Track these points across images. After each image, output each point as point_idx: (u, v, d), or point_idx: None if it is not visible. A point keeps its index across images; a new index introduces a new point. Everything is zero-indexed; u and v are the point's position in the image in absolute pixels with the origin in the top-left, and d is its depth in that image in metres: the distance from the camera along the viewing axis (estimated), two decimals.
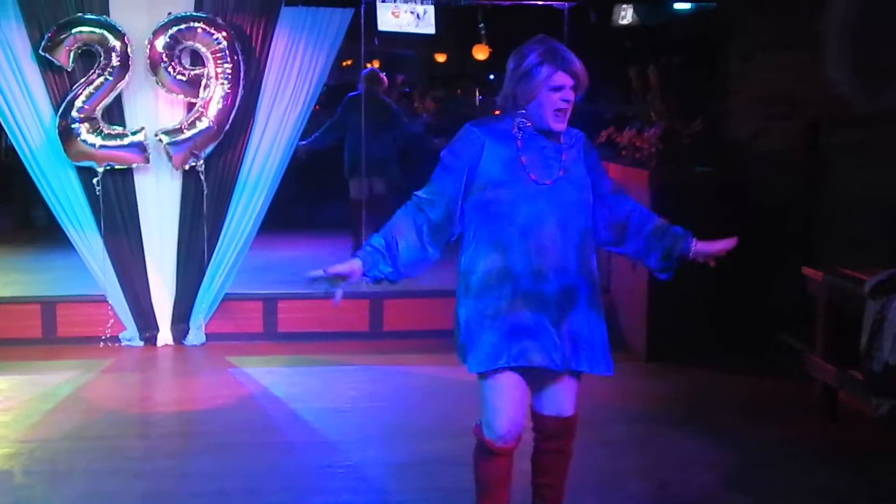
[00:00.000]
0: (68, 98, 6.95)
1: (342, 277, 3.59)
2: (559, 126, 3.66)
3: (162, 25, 6.98)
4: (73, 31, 6.92)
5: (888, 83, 7.46)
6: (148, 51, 6.98)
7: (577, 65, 3.63)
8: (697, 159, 7.18)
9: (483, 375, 3.74)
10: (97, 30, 6.93)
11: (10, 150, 9.03)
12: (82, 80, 6.97)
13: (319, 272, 3.58)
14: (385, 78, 9.88)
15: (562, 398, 3.86)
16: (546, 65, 3.60)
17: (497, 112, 3.86)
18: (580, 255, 3.70)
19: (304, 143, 8.99)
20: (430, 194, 3.69)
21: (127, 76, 7.00)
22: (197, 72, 7.05)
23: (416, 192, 3.74)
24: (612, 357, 3.82)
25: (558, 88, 3.61)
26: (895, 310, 4.79)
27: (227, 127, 7.10)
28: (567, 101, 3.63)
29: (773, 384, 6.50)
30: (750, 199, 7.16)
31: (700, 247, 4.05)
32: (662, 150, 7.11)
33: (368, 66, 10.13)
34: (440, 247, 3.72)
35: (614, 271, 7.66)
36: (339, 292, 3.62)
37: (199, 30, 6.98)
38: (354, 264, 3.61)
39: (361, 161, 8.98)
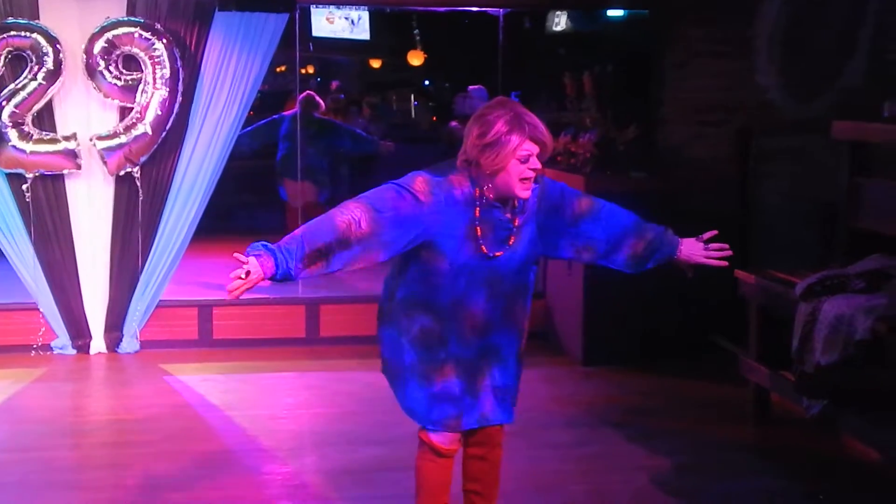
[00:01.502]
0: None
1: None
2: (525, 194, 3.58)
3: (99, 30, 6.90)
4: (5, 35, 6.82)
5: (817, 90, 7.61)
6: (84, 55, 6.89)
7: (544, 131, 3.56)
8: (632, 165, 7.25)
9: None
10: (30, 34, 6.84)
11: None
12: (12, 85, 6.86)
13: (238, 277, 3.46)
14: (322, 102, 9.91)
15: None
16: (515, 134, 3.50)
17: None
18: (507, 316, 3.74)
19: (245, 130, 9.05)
20: (374, 224, 3.48)
21: (59, 81, 6.91)
22: (134, 77, 6.97)
23: (357, 209, 3.50)
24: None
25: (526, 158, 3.53)
26: (826, 312, 4.87)
27: (164, 133, 7.04)
28: (534, 169, 3.56)
29: (707, 386, 6.58)
30: (683, 204, 7.24)
31: (686, 253, 4.17)
32: (597, 156, 7.18)
33: (303, 71, 10.09)
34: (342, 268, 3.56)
35: (551, 277, 7.71)
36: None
37: (136, 34, 6.91)
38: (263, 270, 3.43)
39: (296, 171, 9.00)
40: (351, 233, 3.48)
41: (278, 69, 14.02)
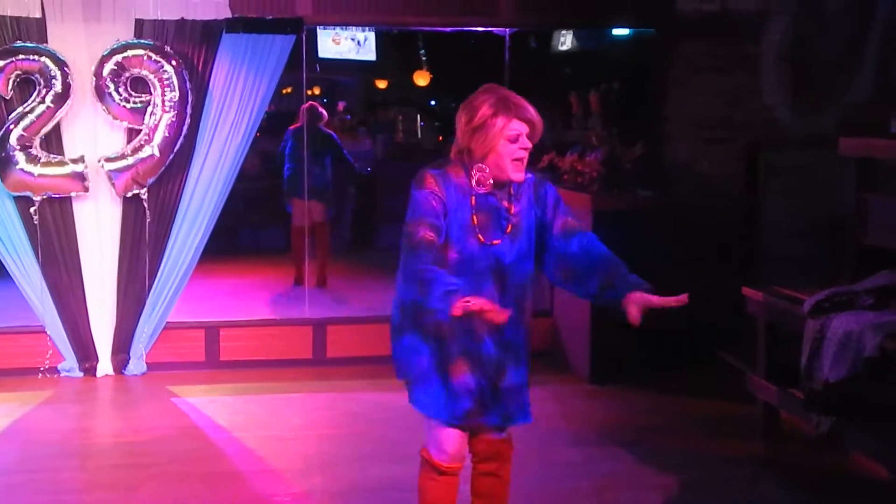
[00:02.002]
0: (5, 126, 6.87)
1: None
2: (518, 176, 3.62)
3: (109, 52, 6.92)
4: (13, 58, 6.85)
5: (823, 106, 7.62)
6: (93, 77, 6.92)
7: (531, 111, 3.61)
8: (639, 183, 7.25)
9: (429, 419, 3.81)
10: (38, 58, 6.87)
11: None
12: (20, 108, 6.89)
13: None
14: (325, 112, 9.95)
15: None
16: (500, 115, 3.56)
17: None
18: (518, 310, 3.70)
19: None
20: (438, 232, 3.56)
21: (67, 104, 6.94)
22: (143, 98, 7.00)
23: (423, 229, 3.54)
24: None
25: (515, 138, 3.58)
26: (834, 328, 4.86)
27: (172, 155, 7.05)
28: (525, 149, 3.60)
29: (715, 404, 6.55)
30: (690, 221, 7.24)
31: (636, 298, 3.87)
32: (604, 175, 7.17)
33: (309, 92, 10.14)
34: None
35: (558, 294, 7.70)
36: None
37: (146, 57, 6.94)
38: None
39: (303, 190, 9.01)
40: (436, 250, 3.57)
41: (285, 90, 14.07)
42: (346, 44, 14.33)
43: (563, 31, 11.85)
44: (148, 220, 7.16)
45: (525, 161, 3.63)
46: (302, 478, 5.33)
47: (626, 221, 6.95)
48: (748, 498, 5.07)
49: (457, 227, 3.61)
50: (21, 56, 6.87)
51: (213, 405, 6.64)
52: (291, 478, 5.34)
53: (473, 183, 3.63)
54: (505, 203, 3.67)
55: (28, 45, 6.90)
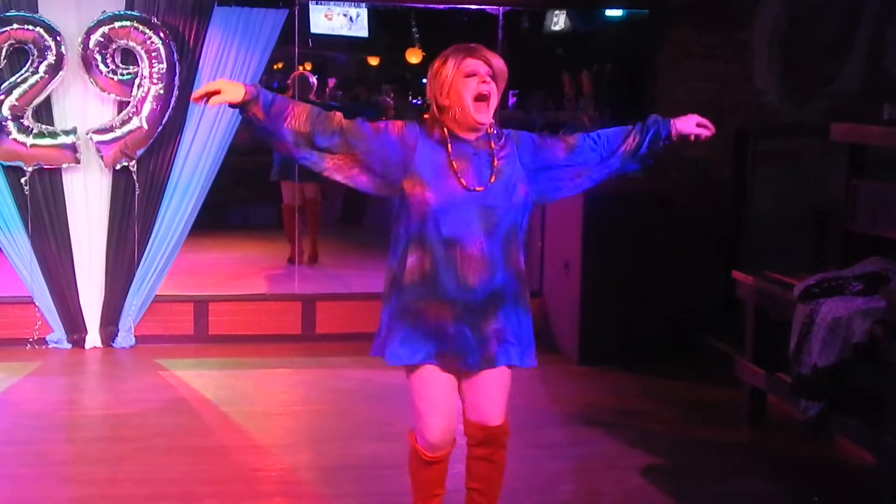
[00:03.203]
0: None
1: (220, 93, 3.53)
2: (483, 118, 3.57)
3: (96, 23, 6.89)
4: (7, 28, 6.81)
5: (812, 93, 7.64)
6: (80, 48, 6.89)
7: (488, 52, 3.60)
8: None
9: (408, 374, 3.77)
10: (32, 27, 6.83)
11: None
12: (13, 77, 6.86)
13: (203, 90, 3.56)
14: (314, 80, 9.87)
15: (486, 405, 3.83)
16: (452, 58, 3.59)
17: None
18: (507, 257, 3.67)
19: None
20: (355, 127, 3.62)
21: (60, 75, 6.91)
22: (130, 70, 6.97)
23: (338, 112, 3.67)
24: (535, 350, 3.86)
25: (472, 74, 3.55)
26: (823, 314, 4.88)
27: (160, 128, 7.03)
28: (485, 83, 3.56)
29: (702, 389, 6.58)
30: (679, 205, 7.25)
31: (680, 126, 4.11)
32: None
33: (300, 68, 10.09)
34: (314, 147, 3.61)
35: (547, 276, 7.72)
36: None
37: (133, 29, 6.90)
38: (246, 90, 3.51)
39: (293, 166, 8.97)
40: (335, 120, 3.61)
41: (276, 66, 14.01)
42: (338, 20, 14.28)
43: (557, 12, 11.84)
44: (137, 193, 7.14)
45: (489, 102, 3.58)
46: (289, 454, 5.34)
47: (616, 203, 6.97)
48: (732, 482, 5.10)
49: (429, 170, 3.60)
50: (15, 25, 6.83)
51: (200, 379, 6.64)
52: (278, 453, 5.35)
53: (438, 126, 3.63)
54: (486, 151, 3.64)
55: (24, 13, 6.86)
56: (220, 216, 10.79)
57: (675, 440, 5.64)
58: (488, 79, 3.57)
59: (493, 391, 3.80)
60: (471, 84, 3.55)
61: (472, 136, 3.64)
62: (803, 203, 7.37)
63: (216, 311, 7.50)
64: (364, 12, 14.14)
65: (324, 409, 6.13)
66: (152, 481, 4.93)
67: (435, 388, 3.75)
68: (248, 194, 11.61)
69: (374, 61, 17.53)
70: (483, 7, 8.08)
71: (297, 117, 3.56)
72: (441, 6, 8.39)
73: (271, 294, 7.91)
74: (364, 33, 14.56)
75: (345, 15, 14.28)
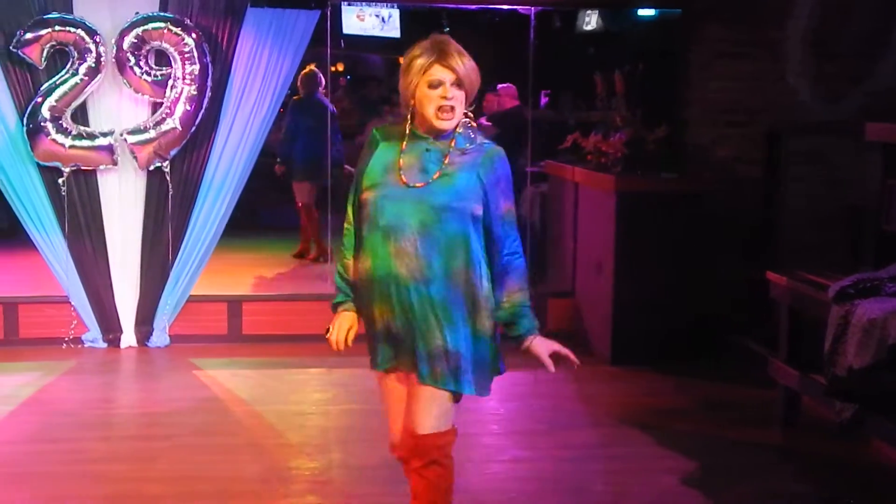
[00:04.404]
0: (38, 97, 6.91)
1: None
2: (441, 125, 3.45)
3: (129, 25, 6.95)
4: (49, 29, 6.88)
5: (847, 91, 7.58)
6: (115, 50, 6.95)
7: (456, 59, 3.42)
8: (661, 166, 7.23)
9: (378, 381, 3.74)
10: (73, 29, 6.91)
11: None
12: (54, 79, 6.93)
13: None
14: (322, 77, 9.85)
15: (417, 412, 3.60)
16: (423, 57, 3.44)
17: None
18: (448, 264, 3.47)
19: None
20: (349, 221, 3.67)
21: (99, 77, 6.98)
22: (164, 72, 7.02)
23: (346, 218, 3.69)
24: (482, 377, 3.62)
25: (436, 84, 3.43)
26: (859, 315, 4.84)
27: (193, 129, 7.08)
28: (447, 98, 3.43)
29: (734, 390, 6.54)
30: (711, 205, 7.22)
31: (535, 347, 3.68)
32: (627, 156, 7.16)
33: (332, 69, 10.11)
34: None
35: (579, 275, 7.71)
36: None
37: (166, 30, 6.96)
38: (342, 326, 3.69)
39: (306, 164, 9.04)
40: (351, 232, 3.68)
41: (308, 67, 14.05)
42: (370, 20, 14.28)
43: (589, 11, 11.80)
44: (171, 194, 7.19)
45: (453, 112, 3.45)
46: (321, 453, 5.37)
47: (648, 203, 6.96)
48: (765, 484, 5.06)
49: (380, 170, 3.53)
50: (57, 27, 6.90)
51: (234, 378, 6.69)
52: (311, 452, 5.37)
53: (407, 125, 3.55)
54: (440, 150, 3.50)
55: (64, 16, 6.93)
56: (253, 216, 10.83)
57: (708, 441, 5.61)
58: (453, 90, 3.43)
59: (424, 399, 3.58)
60: (433, 95, 3.43)
61: (432, 135, 3.53)
62: (837, 203, 7.31)
63: (249, 311, 7.54)
64: (396, 13, 14.13)
65: (356, 409, 6.14)
66: (185, 479, 4.96)
67: (390, 388, 3.70)
68: (281, 195, 11.65)
69: None
70: (515, 7, 8.08)
71: (352, 267, 3.65)
72: (473, 6, 8.40)
73: (304, 294, 7.93)
74: (396, 34, 14.54)
75: (377, 16, 14.28)
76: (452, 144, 3.51)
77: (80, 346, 7.33)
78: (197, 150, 7.21)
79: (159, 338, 7.39)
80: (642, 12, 9.53)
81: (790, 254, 7.17)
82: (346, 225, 3.69)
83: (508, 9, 8.22)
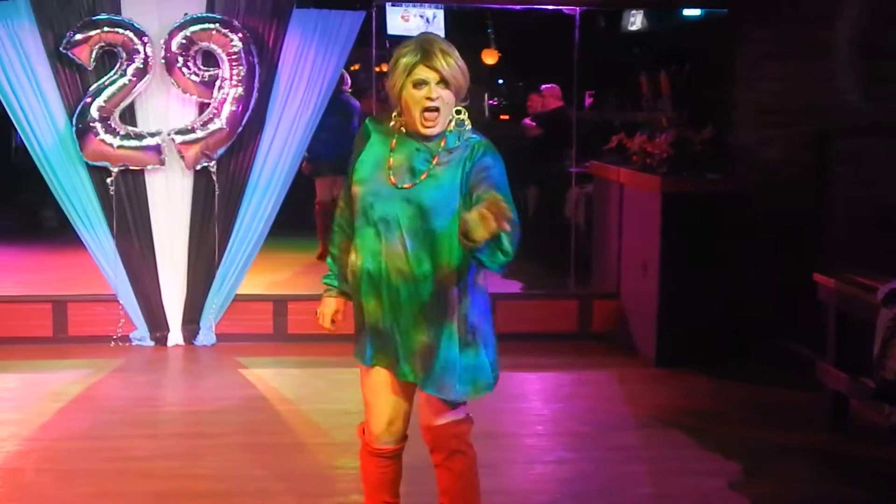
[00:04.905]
0: (86, 98, 6.99)
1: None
2: (426, 130, 3.44)
3: (178, 25, 7.02)
4: (98, 30, 6.96)
5: (894, 91, 7.49)
6: (163, 51, 7.02)
7: (440, 60, 3.38)
8: (707, 166, 7.19)
9: (361, 372, 3.75)
10: (121, 31, 6.98)
11: (19, 151, 9.08)
12: (103, 79, 7.01)
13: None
14: (348, 77, 9.88)
15: (425, 407, 3.66)
16: (408, 56, 3.41)
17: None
18: (437, 263, 3.49)
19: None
20: (344, 200, 3.71)
21: (147, 78, 7.05)
22: (211, 73, 7.08)
23: (339, 199, 3.76)
24: (468, 384, 3.60)
25: (420, 83, 3.40)
26: None
27: (240, 129, 7.13)
28: (432, 99, 3.40)
29: (780, 393, 6.49)
30: (757, 206, 7.17)
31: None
32: (673, 157, 7.12)
33: (377, 69, 10.13)
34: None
35: (624, 277, 7.68)
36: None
37: (215, 31, 7.01)
38: (328, 307, 3.83)
39: (331, 161, 9.05)
40: (346, 213, 3.72)
41: (352, 67, 14.10)
42: (414, 21, 14.29)
43: (634, 11, 11.75)
44: (217, 193, 7.25)
45: (439, 113, 3.42)
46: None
47: (694, 204, 6.93)
48: (810, 489, 5.01)
49: (370, 166, 3.54)
50: (105, 28, 6.97)
51: (279, 377, 6.73)
52: (356, 451, 5.30)
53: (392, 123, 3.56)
54: (429, 150, 3.50)
55: (112, 17, 7.01)
56: (298, 216, 10.88)
57: (753, 444, 5.57)
58: (438, 90, 3.40)
59: (426, 394, 3.64)
60: (418, 96, 3.40)
61: (420, 138, 3.52)
62: (885, 204, 7.22)
63: (295, 311, 7.57)
64: (440, 13, 14.14)
65: None
66: (231, 477, 5.00)
67: (378, 381, 3.67)
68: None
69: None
70: (560, 7, 8.06)
71: (346, 254, 3.70)
72: (518, 7, 8.39)
73: (350, 293, 7.94)
74: (440, 34, 14.56)
75: (421, 16, 14.30)
76: (443, 144, 3.51)
77: (127, 344, 7.41)
78: (243, 150, 7.26)
79: (206, 336, 7.45)
80: (687, 12, 9.46)
81: (838, 256, 7.10)
82: (340, 205, 3.74)
83: (553, 9, 8.20)
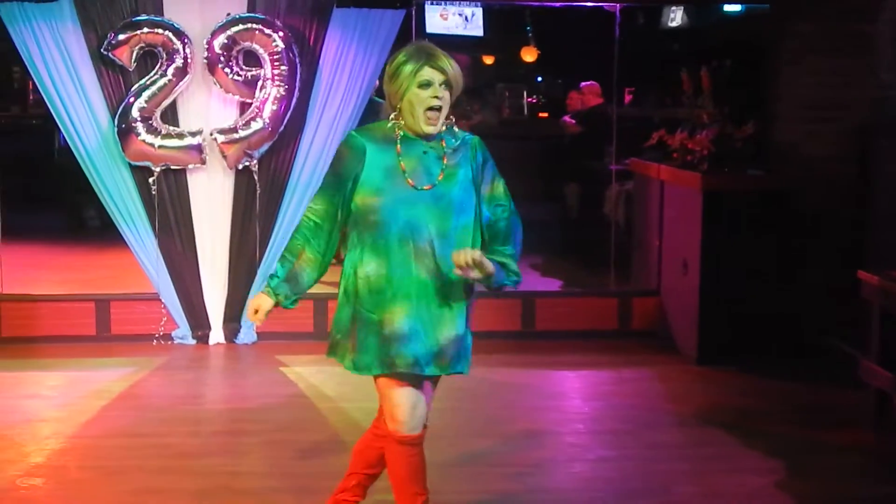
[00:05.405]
0: (128, 98, 7.05)
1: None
2: (431, 129, 3.64)
3: (221, 26, 7.05)
4: (138, 31, 7.02)
5: None
6: (206, 51, 7.06)
7: (446, 62, 3.62)
8: (749, 163, 7.14)
9: (376, 377, 3.79)
10: (161, 31, 7.03)
11: (63, 151, 9.18)
12: (144, 80, 7.06)
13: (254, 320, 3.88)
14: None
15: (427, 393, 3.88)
16: (412, 61, 3.60)
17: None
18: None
19: None
20: (318, 216, 3.71)
21: (187, 78, 7.10)
22: (253, 73, 7.11)
23: (308, 210, 3.76)
24: (468, 359, 3.87)
25: (426, 84, 3.60)
26: None
27: (282, 128, 7.16)
28: (438, 98, 3.61)
29: (824, 390, 6.44)
30: (800, 203, 7.11)
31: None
32: (714, 153, 7.07)
33: None
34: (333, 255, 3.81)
35: (664, 274, 7.64)
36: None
37: (258, 31, 7.05)
38: (266, 303, 3.84)
39: None
40: (322, 230, 3.78)
41: None
42: (453, 19, 14.32)
43: (674, 7, 11.70)
44: (258, 193, 7.29)
45: (440, 114, 3.64)
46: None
47: (735, 201, 6.88)
48: (853, 488, 4.96)
49: (379, 175, 3.63)
50: (145, 29, 7.02)
51: (320, 375, 6.74)
52: None
53: (389, 126, 3.69)
54: (436, 150, 3.69)
55: (153, 18, 7.06)
56: None
57: (795, 442, 5.53)
58: (442, 90, 3.61)
59: (428, 393, 3.87)
60: (424, 95, 3.60)
61: (421, 137, 3.69)
62: None
63: (335, 309, 7.57)
64: (479, 11, 14.16)
65: (439, 407, 6.07)
66: (272, 475, 5.03)
67: (402, 379, 3.75)
68: None
69: (489, 60, 17.55)
70: (600, 4, 8.03)
71: (306, 265, 3.76)
72: (557, 4, 8.37)
73: None
74: (479, 32, 14.56)
75: (460, 14, 14.32)
76: (443, 144, 3.72)
77: (169, 342, 7.47)
78: (284, 150, 7.29)
79: (247, 335, 7.50)
80: (728, 7, 9.42)
81: (881, 253, 7.02)
82: (311, 217, 3.73)
83: (593, 6, 8.17)
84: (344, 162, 3.68)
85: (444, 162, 3.68)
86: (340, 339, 3.84)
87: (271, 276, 3.83)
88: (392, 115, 3.69)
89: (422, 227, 3.63)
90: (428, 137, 3.68)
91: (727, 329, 6.91)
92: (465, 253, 3.52)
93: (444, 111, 3.65)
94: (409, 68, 3.59)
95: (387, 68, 3.69)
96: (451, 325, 3.72)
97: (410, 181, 3.63)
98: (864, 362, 5.77)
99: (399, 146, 3.67)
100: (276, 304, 3.84)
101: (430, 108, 3.61)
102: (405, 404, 3.78)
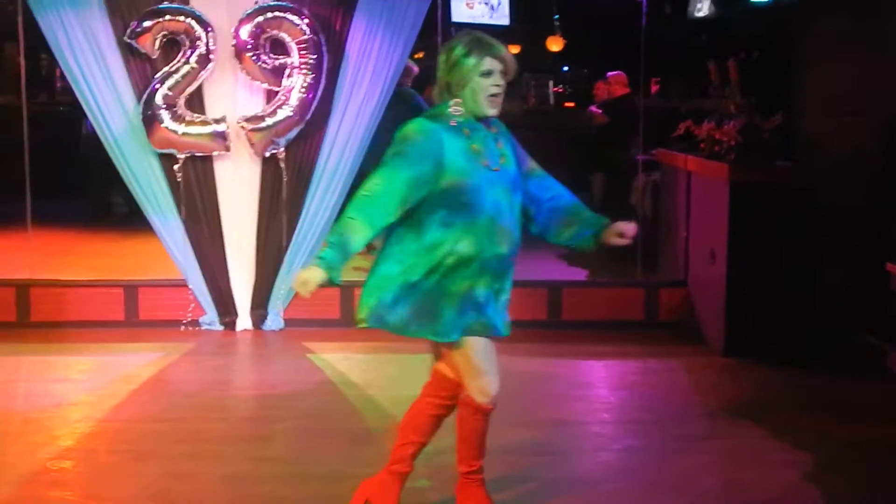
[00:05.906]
0: (152, 85, 7.08)
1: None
2: (493, 111, 3.90)
3: (248, 14, 7.07)
4: (161, 19, 7.04)
5: None
6: (234, 39, 7.08)
7: (503, 51, 3.89)
8: (776, 154, 7.11)
9: (457, 345, 4.00)
10: (184, 18, 7.06)
11: (89, 138, 9.22)
12: (167, 67, 7.09)
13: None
14: (415, 67, 9.80)
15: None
16: (474, 52, 3.84)
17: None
18: (519, 231, 4.01)
19: None
20: (376, 192, 3.75)
21: (210, 65, 7.12)
22: (281, 61, 7.13)
23: (365, 188, 3.77)
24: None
25: (488, 73, 3.84)
26: None
27: (309, 116, 7.18)
28: (498, 85, 3.87)
29: (851, 383, 6.41)
30: (826, 195, 7.08)
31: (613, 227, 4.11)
32: (742, 144, 7.05)
33: None
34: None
35: (692, 265, 7.63)
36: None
37: (285, 20, 7.07)
38: (316, 275, 3.74)
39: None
40: (388, 204, 3.88)
41: (417, 55, 14.14)
42: (479, 8, 14.33)
43: None
44: (285, 180, 7.32)
45: (500, 97, 3.90)
46: (435, 437, 5.39)
47: (763, 192, 6.86)
48: (884, 482, 4.94)
49: (460, 159, 3.83)
50: (168, 17, 7.05)
51: (347, 362, 6.77)
52: None
53: (450, 111, 3.88)
54: (491, 135, 3.96)
55: (174, 6, 7.09)
56: None
57: (822, 436, 5.49)
58: (501, 79, 3.88)
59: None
60: (486, 83, 3.86)
61: (480, 122, 3.94)
62: None
63: None
64: (505, 1, 14.15)
65: None
66: (299, 461, 5.07)
67: (481, 344, 4.02)
68: None
69: (514, 49, 17.53)
70: None
71: (357, 235, 3.75)
72: None
73: None
74: (505, 21, 14.57)
75: (486, 3, 14.33)
76: (493, 129, 4.00)
77: (197, 328, 7.52)
78: (311, 137, 7.31)
79: (274, 321, 7.53)
80: None
81: None
82: (368, 193, 3.75)
83: None
84: (419, 146, 3.81)
85: (499, 146, 3.96)
86: (417, 312, 3.97)
87: (323, 252, 3.77)
88: (453, 102, 3.88)
89: (502, 205, 3.88)
90: (487, 121, 3.92)
91: (754, 321, 6.89)
92: (632, 224, 3.99)
93: (502, 96, 3.90)
94: (472, 61, 3.83)
95: (442, 59, 3.90)
96: (507, 292, 4.03)
97: (485, 162, 3.87)
98: (893, 355, 5.75)
99: (467, 129, 3.88)
100: (325, 280, 3.78)
101: (494, 95, 3.87)
102: (495, 375, 4.07)
